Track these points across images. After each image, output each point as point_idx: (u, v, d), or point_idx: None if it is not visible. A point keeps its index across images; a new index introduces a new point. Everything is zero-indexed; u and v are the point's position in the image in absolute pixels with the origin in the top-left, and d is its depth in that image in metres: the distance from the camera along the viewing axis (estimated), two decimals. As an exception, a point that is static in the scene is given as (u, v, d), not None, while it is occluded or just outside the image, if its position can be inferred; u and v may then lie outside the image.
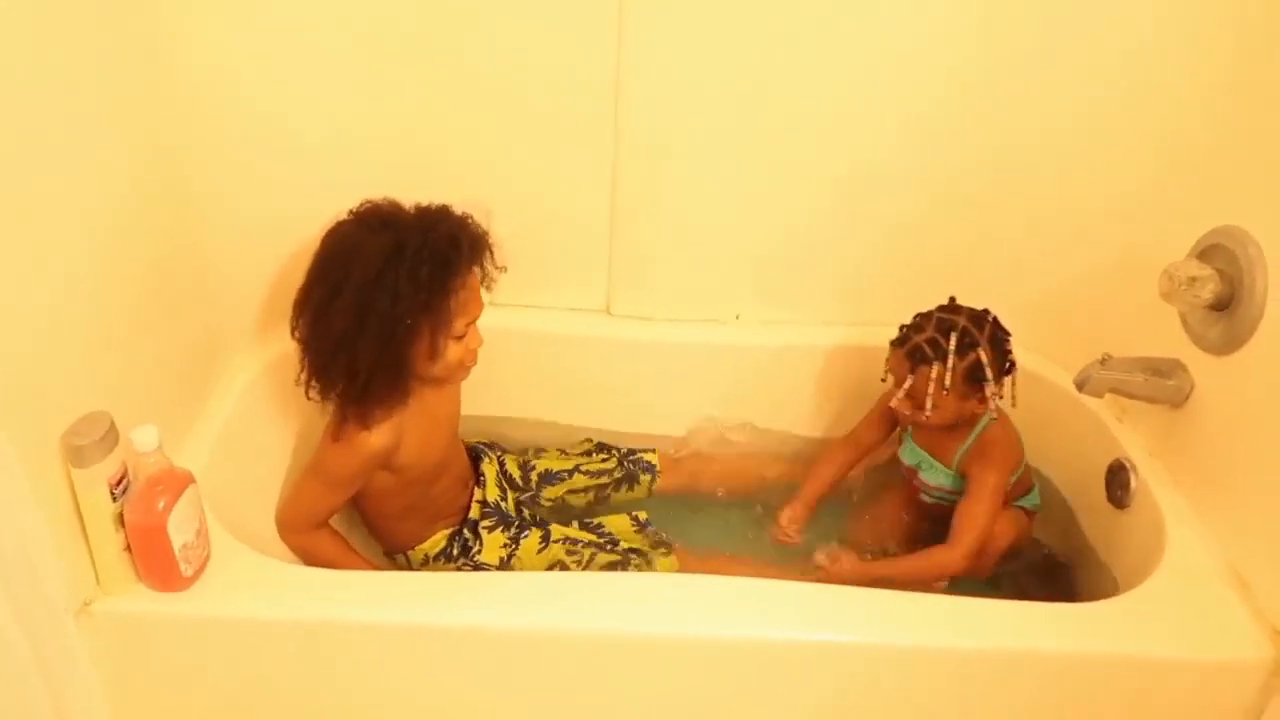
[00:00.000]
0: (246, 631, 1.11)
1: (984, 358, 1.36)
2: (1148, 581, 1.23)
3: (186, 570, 1.09)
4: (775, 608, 1.15)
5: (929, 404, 1.37)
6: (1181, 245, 1.36)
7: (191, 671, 1.15)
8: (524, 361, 1.65)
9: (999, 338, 1.40)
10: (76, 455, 1.00)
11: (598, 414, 1.71)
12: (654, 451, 1.65)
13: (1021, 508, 1.52)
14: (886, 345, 1.50)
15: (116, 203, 1.14)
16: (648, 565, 1.45)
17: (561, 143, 1.52)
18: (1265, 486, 1.21)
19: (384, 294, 1.18)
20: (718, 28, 1.41)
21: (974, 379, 1.38)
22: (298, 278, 1.50)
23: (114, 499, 1.03)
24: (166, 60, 1.23)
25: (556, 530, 1.46)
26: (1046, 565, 1.52)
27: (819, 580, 1.41)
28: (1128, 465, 1.43)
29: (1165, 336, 1.40)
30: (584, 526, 1.48)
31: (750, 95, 1.46)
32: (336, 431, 1.28)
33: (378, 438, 1.27)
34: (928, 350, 1.37)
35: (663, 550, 1.47)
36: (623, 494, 1.61)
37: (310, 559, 1.32)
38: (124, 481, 1.04)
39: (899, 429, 1.58)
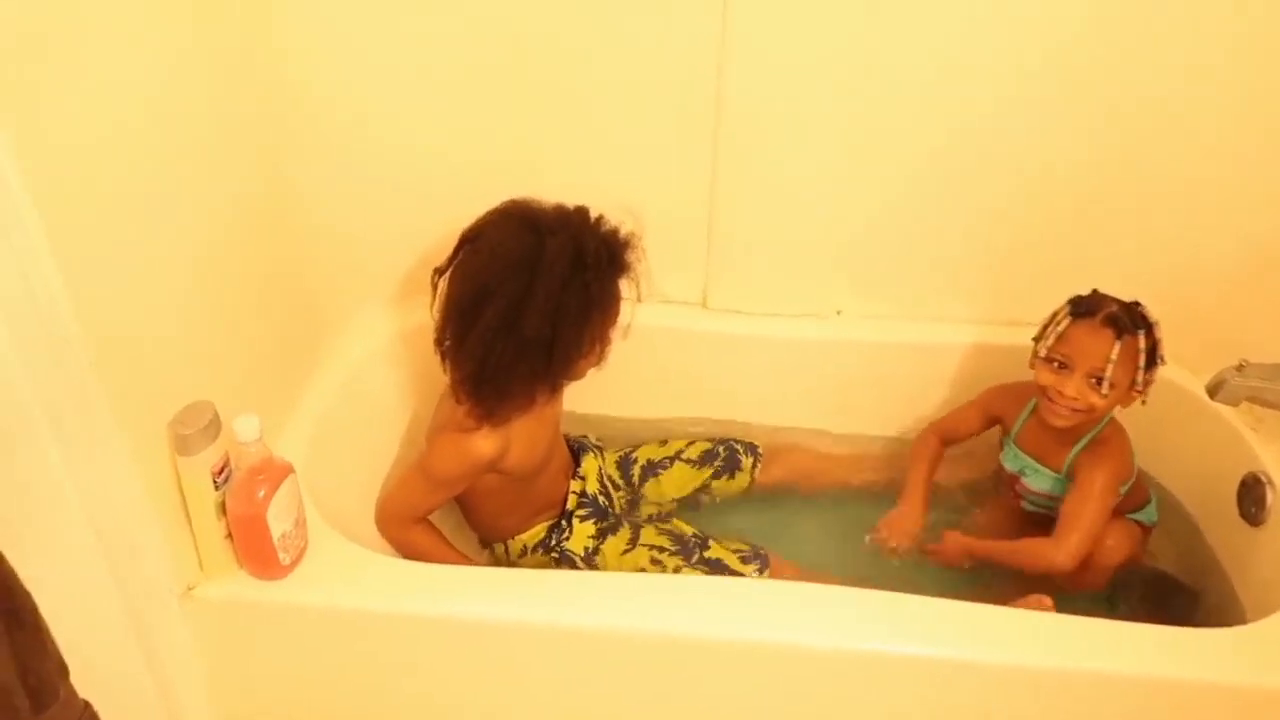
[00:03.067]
0: (340, 621, 1.12)
1: (1160, 338, 1.29)
2: (1282, 611, 1.14)
3: (285, 559, 1.10)
4: (871, 618, 1.11)
5: (1129, 382, 1.28)
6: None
7: (286, 657, 1.16)
8: (620, 355, 1.62)
9: (1157, 328, 1.31)
10: (182, 444, 1.02)
11: (694, 408, 1.68)
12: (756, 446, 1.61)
13: (1137, 521, 1.43)
14: (991, 343, 1.42)
15: (222, 199, 1.16)
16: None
17: (661, 134, 1.48)
18: None
19: (574, 300, 1.17)
20: (818, 13, 1.35)
21: (1155, 358, 1.29)
22: (395, 263, 1.53)
23: (216, 487, 1.05)
24: (273, 62, 1.25)
25: (645, 534, 1.44)
26: (1166, 585, 1.42)
27: (929, 558, 1.39)
28: (1265, 479, 1.33)
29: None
30: (675, 539, 1.44)
31: (850, 83, 1.39)
32: (462, 424, 1.25)
33: (489, 445, 1.25)
34: (1126, 319, 1.27)
35: (755, 566, 1.42)
36: (723, 483, 1.57)
37: (407, 552, 1.32)
38: (226, 470, 1.06)
39: (999, 432, 1.51)
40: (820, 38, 1.37)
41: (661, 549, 1.42)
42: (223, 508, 1.07)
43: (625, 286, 1.25)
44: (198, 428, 1.03)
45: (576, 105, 1.47)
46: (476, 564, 1.40)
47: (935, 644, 1.08)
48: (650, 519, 1.50)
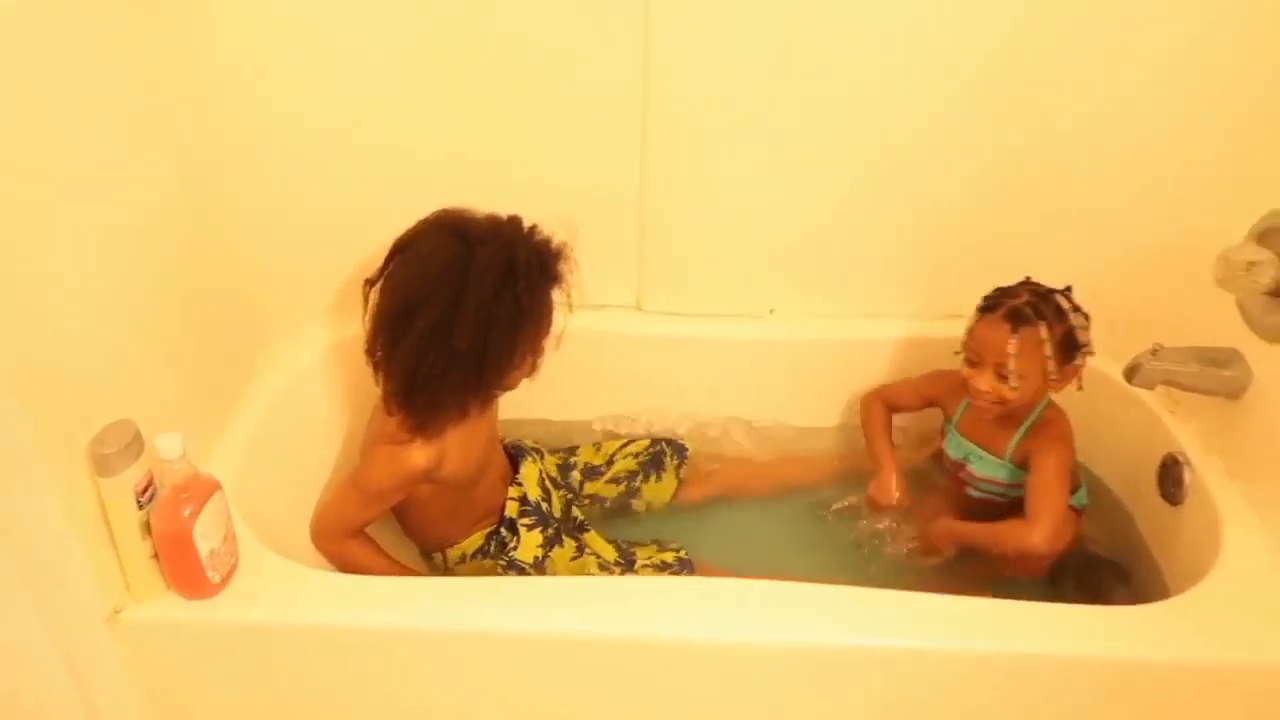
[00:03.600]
0: (275, 637, 1.11)
1: (1080, 325, 1.32)
2: (1204, 582, 1.18)
3: (214, 577, 1.09)
4: (810, 612, 1.12)
5: (1031, 375, 1.31)
6: (1239, 227, 1.30)
7: (222, 678, 1.14)
8: (556, 360, 1.63)
9: (1085, 314, 1.34)
10: (102, 464, 1.00)
11: (632, 411, 1.69)
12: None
13: (1070, 506, 1.47)
14: (926, 336, 1.45)
15: (144, 210, 1.14)
16: None
17: (589, 138, 1.49)
18: (1329, 482, 1.15)
19: (505, 311, 1.17)
20: (744, 14, 1.37)
21: (1069, 346, 1.32)
22: (328, 281, 1.52)
23: (140, 507, 1.03)
24: (199, 69, 1.23)
25: (591, 543, 1.44)
26: (1097, 566, 1.46)
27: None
28: (1182, 460, 1.38)
29: (1221, 324, 1.33)
30: (619, 549, 1.45)
31: (779, 83, 1.42)
32: (394, 437, 1.25)
33: (423, 456, 1.25)
34: (1028, 311, 1.30)
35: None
36: (651, 484, 1.58)
37: (344, 566, 1.31)
38: (150, 489, 1.04)
39: (942, 417, 1.54)
40: (747, 40, 1.38)
41: (606, 561, 1.43)
42: (147, 528, 1.05)
43: (557, 296, 1.25)
44: (118, 447, 1.00)
45: (506, 112, 1.47)
46: (415, 572, 1.39)
47: (887, 635, 1.10)
48: (586, 526, 1.50)
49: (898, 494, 1.50)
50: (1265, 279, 1.21)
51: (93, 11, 1.03)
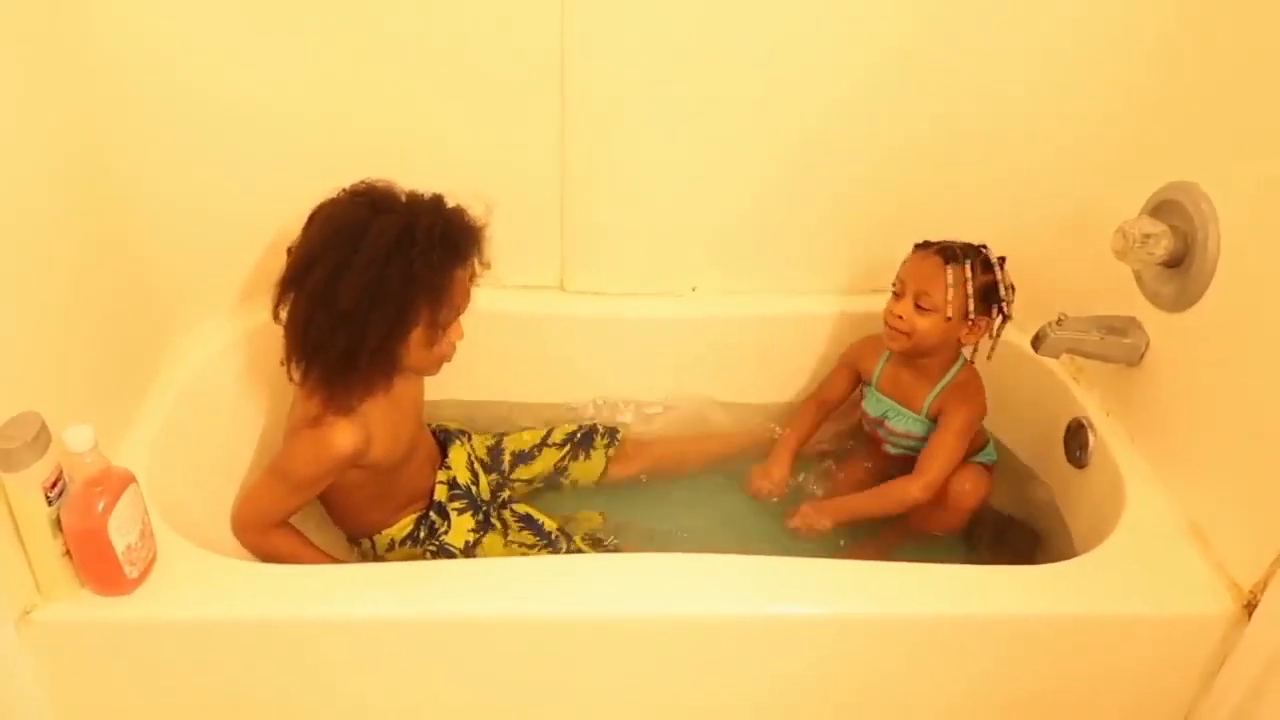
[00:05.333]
0: (197, 632, 1.08)
1: (1004, 282, 1.39)
2: (1108, 540, 1.23)
3: (131, 572, 1.05)
4: (733, 582, 1.14)
5: (949, 306, 1.37)
6: (1134, 202, 1.36)
7: (141, 677, 1.10)
8: (478, 342, 1.61)
9: (1011, 283, 1.41)
10: (6, 459, 0.95)
11: (557, 392, 1.68)
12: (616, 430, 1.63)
13: (980, 464, 1.52)
14: (845, 311, 1.48)
15: (36, 190, 1.08)
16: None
17: (507, 117, 1.48)
18: (1221, 441, 1.22)
19: (395, 273, 1.15)
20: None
21: (988, 298, 1.39)
22: (240, 262, 1.47)
23: (49, 503, 0.99)
24: (88, 39, 1.17)
25: (513, 533, 1.44)
26: (1012, 527, 1.52)
27: (799, 534, 1.44)
28: (1086, 424, 1.44)
29: (1120, 294, 1.40)
30: (534, 531, 1.45)
31: (696, 61, 1.43)
32: (314, 420, 1.22)
33: (347, 438, 1.22)
34: (959, 251, 1.38)
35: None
36: (579, 463, 1.58)
37: (268, 558, 1.28)
38: (59, 484, 0.99)
39: (861, 384, 1.58)
40: (662, 18, 1.39)
41: (528, 545, 1.42)
42: (58, 524, 1.00)
43: (463, 274, 1.22)
44: (23, 441, 0.96)
45: (421, 90, 1.45)
46: (341, 561, 1.36)
47: (799, 602, 1.12)
48: (506, 503, 1.49)
49: (776, 479, 1.54)
50: (1160, 250, 1.27)
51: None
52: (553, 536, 1.43)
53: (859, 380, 1.60)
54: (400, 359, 1.22)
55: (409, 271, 1.15)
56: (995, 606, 1.14)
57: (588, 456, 1.59)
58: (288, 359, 1.22)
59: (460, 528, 1.39)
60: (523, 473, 1.56)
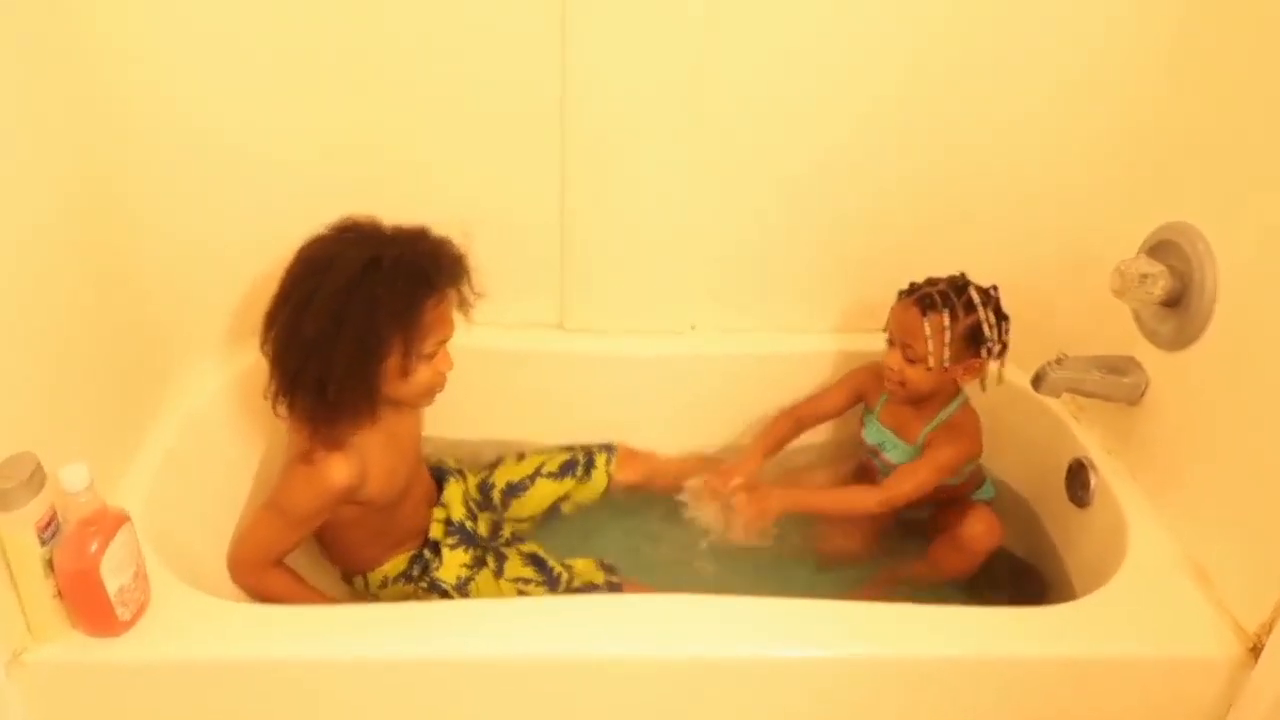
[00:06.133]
0: (190, 675, 1.06)
1: (988, 320, 1.37)
2: (1112, 581, 1.22)
3: (124, 614, 1.04)
4: (734, 624, 1.13)
5: (930, 357, 1.36)
6: (1132, 242, 1.37)
7: (134, 719, 1.09)
8: (477, 380, 1.60)
9: (1002, 314, 1.40)
10: (1, 499, 0.95)
11: (555, 431, 1.67)
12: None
13: (988, 505, 1.51)
14: (844, 350, 1.48)
15: (38, 225, 1.08)
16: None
17: (507, 156, 1.49)
18: (1223, 480, 1.21)
19: (359, 302, 1.15)
20: (661, 34, 1.39)
21: (974, 340, 1.38)
22: (240, 298, 1.48)
23: (42, 543, 0.98)
24: (94, 75, 1.18)
25: (510, 566, 1.42)
26: (1017, 568, 1.51)
27: (743, 512, 1.42)
28: (1087, 464, 1.43)
29: (1119, 333, 1.40)
30: (539, 567, 1.43)
31: (696, 99, 1.44)
32: (305, 456, 1.22)
33: (341, 473, 1.22)
34: (937, 298, 1.37)
35: (618, 577, 1.44)
36: (584, 487, 1.57)
37: (262, 597, 1.27)
38: (53, 524, 0.99)
39: (863, 408, 1.58)
40: (661, 59, 1.40)
41: (527, 580, 1.41)
42: (50, 565, 0.99)
43: (440, 309, 1.21)
44: (18, 481, 0.95)
45: (424, 129, 1.47)
46: (336, 600, 1.35)
47: (805, 645, 1.11)
48: (511, 542, 1.48)
49: (735, 480, 1.48)
50: (1157, 290, 1.28)
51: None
52: (555, 574, 1.42)
53: (854, 401, 1.59)
54: (376, 389, 1.21)
55: (372, 300, 1.15)
56: (997, 648, 1.13)
57: (588, 477, 1.58)
58: (271, 394, 1.22)
59: (453, 563, 1.38)
60: (518, 509, 1.55)
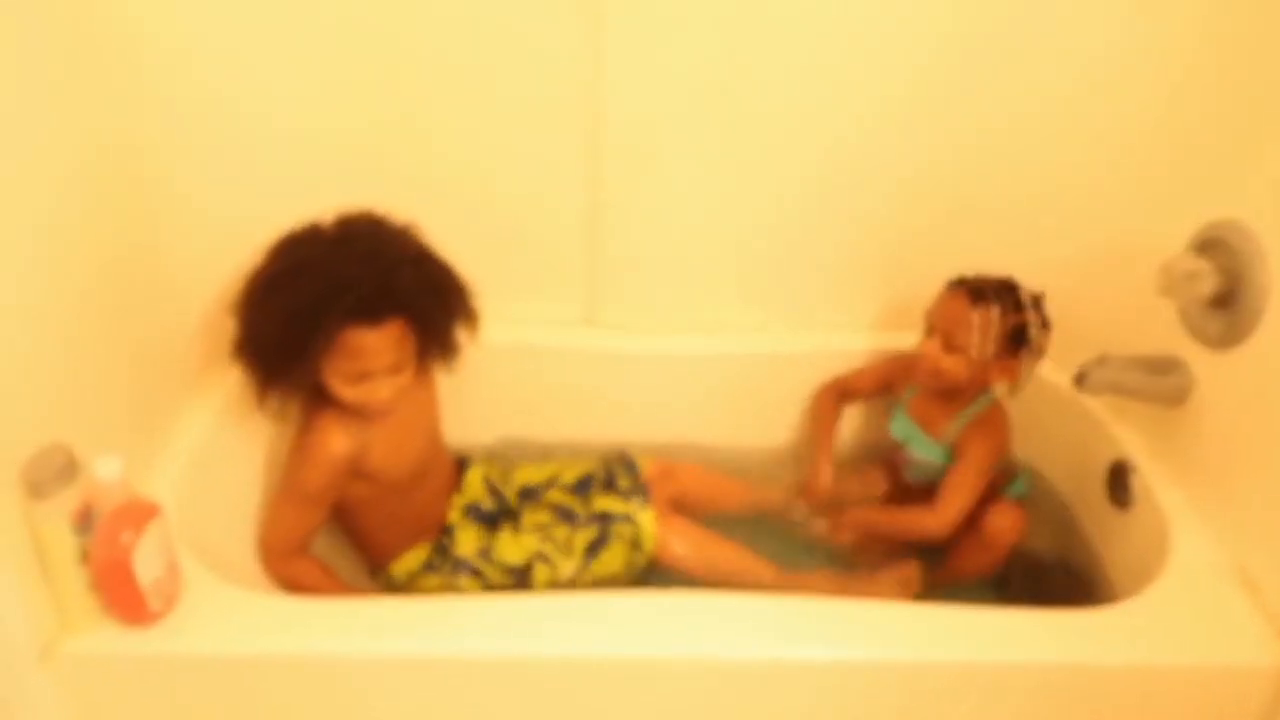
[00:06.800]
0: (222, 667, 1.06)
1: (1035, 323, 1.36)
2: (1154, 586, 1.19)
3: (156, 605, 1.04)
4: (756, 623, 1.11)
5: (973, 349, 1.35)
6: (1178, 236, 1.33)
7: (165, 711, 1.09)
8: (503, 376, 1.60)
9: (1046, 320, 1.39)
10: (34, 489, 0.95)
11: (582, 429, 1.66)
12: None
13: (1014, 500, 1.48)
14: (876, 348, 1.49)
15: (66, 210, 1.07)
16: (631, 525, 1.36)
17: (538, 148, 1.48)
18: (1271, 484, 1.18)
19: (260, 319, 1.20)
20: (697, 27, 1.37)
21: (1016, 340, 1.37)
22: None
23: (76, 534, 0.98)
24: (117, 61, 1.16)
25: (528, 519, 1.42)
26: (1048, 568, 1.48)
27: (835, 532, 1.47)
28: (1129, 465, 1.40)
29: (1164, 332, 1.37)
30: (557, 509, 1.43)
31: (725, 103, 1.42)
32: (302, 431, 1.27)
33: (340, 442, 1.24)
34: (989, 292, 1.36)
35: (639, 500, 1.40)
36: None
37: (294, 587, 1.27)
38: (86, 515, 0.99)
39: (892, 399, 1.56)
40: (695, 59, 1.39)
41: (545, 525, 1.41)
42: (84, 555, 1.00)
43: (358, 338, 1.18)
44: (52, 471, 0.96)
45: (453, 127, 1.45)
46: (365, 593, 1.35)
47: (838, 646, 1.09)
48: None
49: (824, 490, 1.54)
50: (1205, 288, 1.25)
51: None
52: (573, 512, 1.43)
53: (883, 389, 1.58)
54: (304, 371, 1.20)
55: (286, 299, 1.16)
56: (1032, 653, 1.10)
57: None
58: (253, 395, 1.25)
59: (467, 538, 1.39)
60: (532, 515, 1.49)
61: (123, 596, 1.02)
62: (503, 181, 1.50)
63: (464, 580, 1.36)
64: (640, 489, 1.43)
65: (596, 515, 1.39)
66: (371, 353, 1.19)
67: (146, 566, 1.01)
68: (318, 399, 1.25)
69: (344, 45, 1.37)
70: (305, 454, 1.26)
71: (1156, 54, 1.37)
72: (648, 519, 1.38)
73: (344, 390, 1.22)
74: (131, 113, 1.19)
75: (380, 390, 1.22)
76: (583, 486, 1.50)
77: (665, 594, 1.14)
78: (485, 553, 1.37)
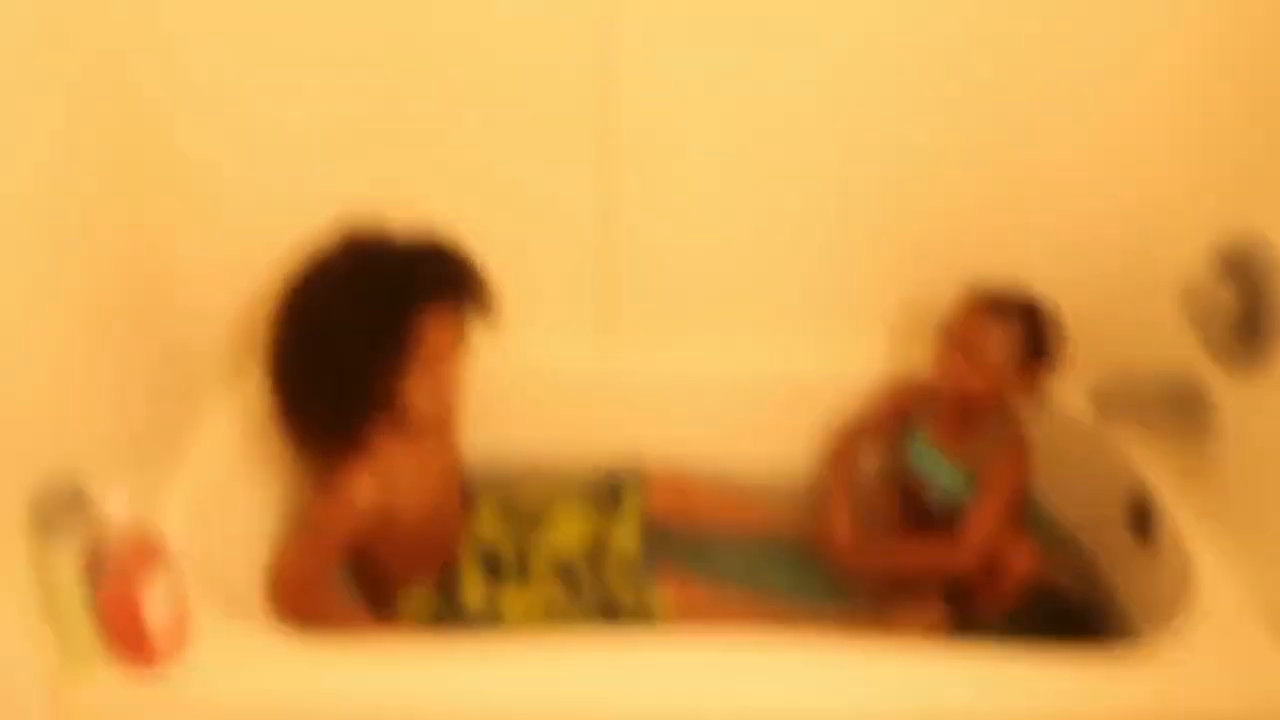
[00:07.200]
0: (235, 711, 1.03)
1: (1055, 338, 1.37)
2: (1179, 627, 1.17)
3: (165, 646, 1.00)
4: (765, 672, 1.07)
5: (995, 362, 1.34)
6: (1198, 255, 1.30)
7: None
8: (510, 397, 1.57)
9: (1063, 336, 1.39)
10: (41, 525, 0.92)
11: (592, 453, 1.62)
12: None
13: (1029, 535, 1.46)
14: (896, 365, 1.48)
15: (67, 232, 1.04)
16: (642, 614, 1.34)
17: (549, 154, 1.43)
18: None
19: (340, 323, 1.13)
20: (711, 29, 1.34)
21: (1038, 354, 1.37)
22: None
23: (81, 574, 0.95)
24: (132, 77, 1.14)
25: (536, 588, 1.38)
26: (1062, 602, 1.46)
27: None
28: (1148, 496, 1.38)
29: (1183, 354, 1.34)
30: (567, 580, 1.40)
31: (746, 96, 1.38)
32: (328, 479, 1.21)
33: (367, 495, 1.20)
34: (1011, 306, 1.36)
35: (650, 586, 1.38)
36: (612, 521, 1.50)
37: (310, 623, 1.22)
38: (95, 553, 0.96)
39: (905, 436, 1.53)
40: (713, 55, 1.36)
41: (552, 596, 1.38)
42: (90, 595, 0.96)
43: (433, 323, 1.16)
44: (59, 506, 0.93)
45: (460, 143, 1.42)
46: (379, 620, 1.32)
47: (853, 695, 1.07)
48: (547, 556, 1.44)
49: (844, 541, 1.48)
50: (1227, 309, 1.22)
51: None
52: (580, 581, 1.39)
53: (902, 419, 1.55)
54: (371, 410, 1.18)
55: (345, 319, 1.13)
56: (1052, 700, 1.07)
57: (620, 519, 1.49)
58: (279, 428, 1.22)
59: (473, 584, 1.36)
60: (544, 542, 1.47)
61: (130, 638, 0.99)
62: (513, 187, 1.46)
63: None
64: (650, 573, 1.39)
65: (607, 600, 1.36)
66: (450, 330, 1.18)
67: (156, 608, 0.98)
68: (346, 445, 1.20)
69: (353, 53, 1.33)
70: (332, 499, 1.21)
71: (1176, 62, 1.34)
72: (660, 605, 1.35)
73: (421, 385, 1.17)
74: (145, 153, 1.18)
75: (453, 378, 1.22)
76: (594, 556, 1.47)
77: (703, 640, 1.10)
78: (491, 603, 1.34)
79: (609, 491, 1.52)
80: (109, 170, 1.11)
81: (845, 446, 1.57)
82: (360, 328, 1.13)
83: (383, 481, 1.21)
